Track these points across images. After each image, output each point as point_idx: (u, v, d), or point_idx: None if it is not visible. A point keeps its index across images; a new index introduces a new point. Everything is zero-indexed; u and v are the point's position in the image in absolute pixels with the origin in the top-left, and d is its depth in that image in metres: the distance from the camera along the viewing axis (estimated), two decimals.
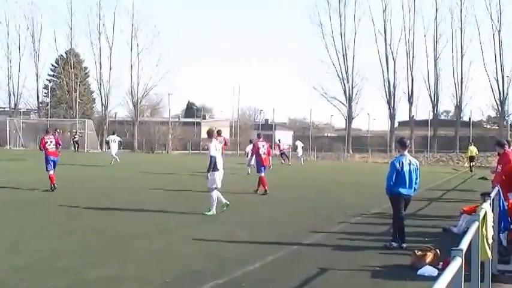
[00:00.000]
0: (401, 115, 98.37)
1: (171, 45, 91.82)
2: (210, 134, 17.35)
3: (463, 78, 75.22)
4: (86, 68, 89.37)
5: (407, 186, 12.18)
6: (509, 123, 73.10)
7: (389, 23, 78.31)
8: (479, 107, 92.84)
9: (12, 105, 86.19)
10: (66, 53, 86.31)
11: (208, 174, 16.62)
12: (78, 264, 10.15)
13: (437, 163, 60.81)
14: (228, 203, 16.80)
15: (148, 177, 30.03)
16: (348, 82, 79.66)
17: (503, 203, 9.96)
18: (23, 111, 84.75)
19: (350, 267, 10.43)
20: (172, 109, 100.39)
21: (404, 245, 12.09)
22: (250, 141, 32.41)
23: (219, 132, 34.18)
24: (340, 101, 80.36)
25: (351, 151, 73.88)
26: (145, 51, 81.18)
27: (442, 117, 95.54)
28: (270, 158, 24.34)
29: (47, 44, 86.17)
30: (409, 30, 77.67)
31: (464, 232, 6.36)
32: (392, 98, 77.72)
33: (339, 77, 79.94)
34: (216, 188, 16.57)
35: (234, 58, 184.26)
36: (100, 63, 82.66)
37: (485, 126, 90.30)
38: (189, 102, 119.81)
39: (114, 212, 16.96)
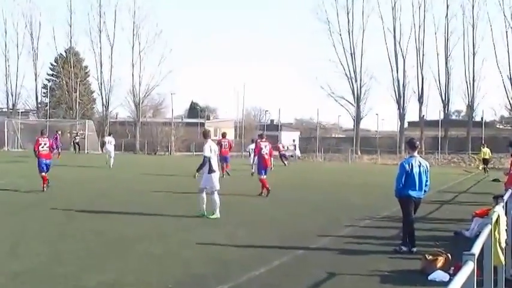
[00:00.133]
0: (411, 115, 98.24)
1: (174, 44, 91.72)
2: (205, 134, 17.54)
3: (475, 76, 75.07)
4: (86, 67, 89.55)
5: (417, 188, 12.16)
6: None
7: (398, 19, 78.26)
8: (491, 106, 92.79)
9: (10, 106, 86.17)
10: (65, 52, 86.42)
11: (197, 174, 16.69)
12: (78, 269, 10.16)
13: (449, 164, 60.66)
14: (205, 213, 16.55)
15: (150, 179, 30.07)
16: (356, 81, 79.65)
17: None
18: (22, 112, 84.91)
19: (358, 272, 10.41)
20: (175, 109, 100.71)
21: (414, 249, 12.07)
22: (252, 141, 32.36)
23: (224, 135, 34.43)
24: (348, 101, 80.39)
25: (359, 152, 73.72)
26: (147, 50, 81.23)
27: (453, 117, 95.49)
28: (272, 159, 24.25)
29: (45, 43, 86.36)
30: (419, 27, 77.60)
31: (477, 236, 6.34)
32: (402, 98, 77.62)
33: (346, 76, 79.94)
34: (205, 189, 16.54)
35: (238, 58, 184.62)
36: (101, 62, 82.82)
37: (498, 126, 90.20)
38: (192, 102, 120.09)
39: (114, 214, 16.99)
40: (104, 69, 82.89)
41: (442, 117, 74.39)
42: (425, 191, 12.47)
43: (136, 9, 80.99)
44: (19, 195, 21.13)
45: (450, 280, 4.07)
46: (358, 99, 79.22)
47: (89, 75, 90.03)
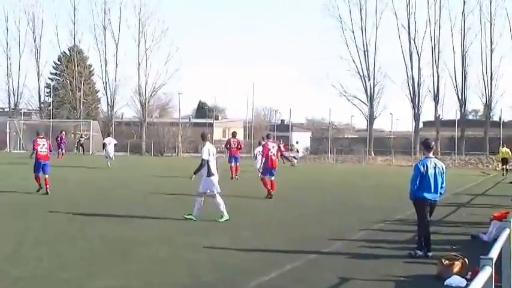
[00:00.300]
0: (427, 115, 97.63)
1: (180, 43, 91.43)
2: (203, 137, 17.67)
3: (493, 74, 74.66)
4: (90, 66, 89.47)
5: (432, 190, 12.13)
6: None
7: (413, 16, 77.78)
8: (510, 105, 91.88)
9: (12, 106, 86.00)
10: (69, 50, 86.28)
11: (193, 176, 16.75)
12: (81, 275, 10.17)
13: (465, 166, 60.46)
14: (195, 219, 16.43)
15: (156, 181, 30.15)
16: (369, 80, 79.35)
17: None
18: (24, 112, 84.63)
19: (372, 277, 10.40)
20: (183, 109, 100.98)
21: (430, 254, 12.04)
22: (260, 143, 32.28)
23: (234, 134, 34.48)
24: (361, 100, 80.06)
25: (372, 153, 73.48)
26: (153, 48, 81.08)
27: (470, 116, 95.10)
28: (277, 160, 24.25)
29: (48, 41, 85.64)
30: (435, 23, 77.16)
31: (495, 240, 6.32)
32: (417, 97, 77.27)
33: (359, 74, 79.61)
34: (204, 194, 16.59)
35: (247, 56, 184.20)
36: (105, 60, 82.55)
37: None
38: (200, 102, 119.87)
39: (118, 217, 17.01)
40: (109, 67, 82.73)
41: (458, 116, 74.05)
42: (441, 194, 12.44)
43: (141, 6, 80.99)
44: (20, 198, 21.16)
45: (467, 286, 4.07)
46: (371, 99, 78.98)
47: (93, 74, 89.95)
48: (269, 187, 22.60)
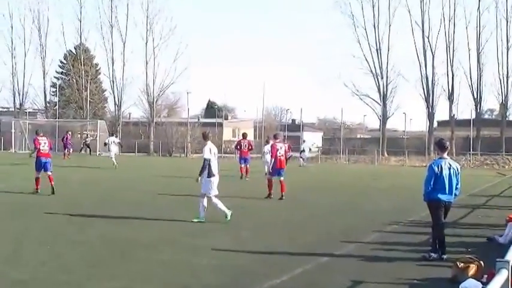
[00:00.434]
0: (441, 114, 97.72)
1: (189, 41, 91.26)
2: (205, 136, 17.63)
3: (509, 72, 74.42)
4: (97, 65, 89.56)
5: (447, 191, 12.12)
6: None
7: (427, 13, 77.54)
8: None
9: (17, 105, 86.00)
10: (75, 48, 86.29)
11: (199, 178, 16.63)
12: (83, 277, 10.18)
13: (481, 166, 60.31)
14: (203, 220, 16.37)
15: (162, 182, 30.26)
16: (382, 78, 79.10)
17: None
18: (29, 112, 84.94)
19: (386, 280, 10.40)
20: (191, 109, 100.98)
21: (444, 256, 12.04)
22: (267, 142, 32.23)
23: (244, 135, 34.63)
24: (374, 99, 79.78)
25: (385, 154, 73.30)
26: (161, 46, 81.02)
27: (486, 116, 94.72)
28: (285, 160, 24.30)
29: (54, 39, 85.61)
30: (449, 21, 76.86)
31: (511, 242, 6.32)
32: (431, 96, 77.03)
33: (372, 73, 79.36)
34: (206, 195, 16.56)
35: (257, 55, 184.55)
36: (112, 59, 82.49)
37: None
38: (209, 101, 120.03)
39: (122, 218, 17.08)
40: (116, 66, 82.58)
41: (473, 116, 73.85)
42: (455, 195, 12.43)
43: (149, 3, 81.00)
44: (23, 199, 21.26)
45: None
46: (384, 98, 78.76)
47: (100, 73, 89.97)
48: (271, 189, 22.81)
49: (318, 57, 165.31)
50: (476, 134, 73.27)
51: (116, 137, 47.79)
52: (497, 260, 4.23)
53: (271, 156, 23.60)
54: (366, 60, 79.17)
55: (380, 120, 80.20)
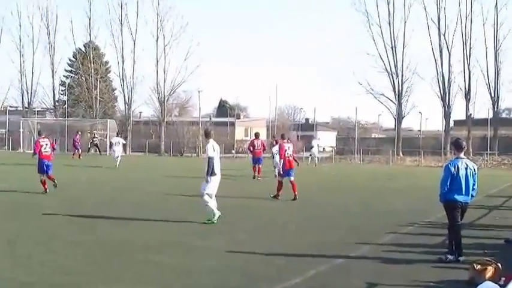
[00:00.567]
0: (457, 113, 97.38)
1: (200, 39, 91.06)
2: (207, 134, 17.52)
3: None
4: (106, 63, 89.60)
5: (463, 192, 12.11)
6: None
7: (443, 10, 77.36)
8: None
9: (26, 104, 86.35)
10: (84, 46, 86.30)
11: (208, 178, 16.46)
12: (84, 281, 10.14)
13: (498, 167, 60.04)
14: (216, 221, 16.40)
15: (171, 182, 30.44)
16: (397, 77, 78.93)
17: None
18: (38, 111, 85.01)
19: (401, 282, 10.41)
20: (203, 108, 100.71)
21: (461, 258, 12.02)
22: (276, 142, 32.23)
23: (257, 135, 34.75)
24: (389, 98, 79.62)
25: (401, 153, 73.15)
26: (172, 44, 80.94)
27: (504, 115, 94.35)
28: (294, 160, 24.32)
29: (63, 37, 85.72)
30: (466, 18, 76.69)
31: None
32: (447, 95, 76.86)
33: (387, 71, 79.20)
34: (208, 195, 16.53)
35: (270, 54, 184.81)
36: (122, 57, 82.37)
37: None
38: (221, 100, 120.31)
39: (126, 219, 17.11)
40: (126, 65, 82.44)
41: (491, 115, 73.68)
42: (472, 196, 12.42)
43: (160, 0, 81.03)
44: (26, 199, 21.40)
45: None
46: (399, 97, 78.58)
47: (110, 72, 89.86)
48: (280, 191, 22.84)
49: (331, 56, 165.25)
50: (493, 133, 73.09)
51: (121, 137, 47.86)
52: None
53: (280, 157, 23.67)
54: (381, 58, 79.06)
55: (395, 119, 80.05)
